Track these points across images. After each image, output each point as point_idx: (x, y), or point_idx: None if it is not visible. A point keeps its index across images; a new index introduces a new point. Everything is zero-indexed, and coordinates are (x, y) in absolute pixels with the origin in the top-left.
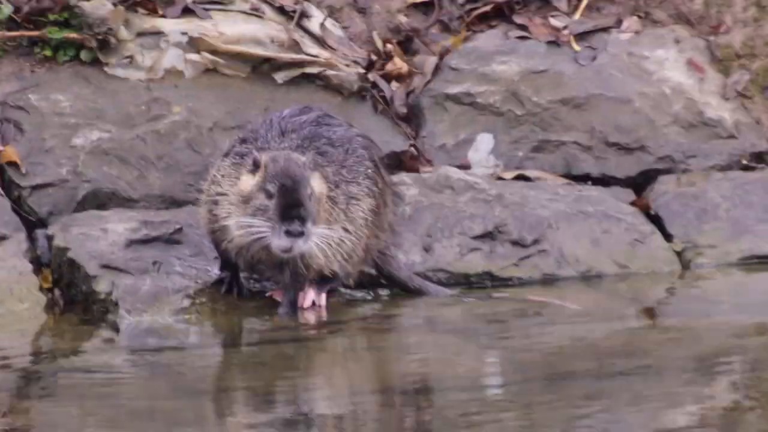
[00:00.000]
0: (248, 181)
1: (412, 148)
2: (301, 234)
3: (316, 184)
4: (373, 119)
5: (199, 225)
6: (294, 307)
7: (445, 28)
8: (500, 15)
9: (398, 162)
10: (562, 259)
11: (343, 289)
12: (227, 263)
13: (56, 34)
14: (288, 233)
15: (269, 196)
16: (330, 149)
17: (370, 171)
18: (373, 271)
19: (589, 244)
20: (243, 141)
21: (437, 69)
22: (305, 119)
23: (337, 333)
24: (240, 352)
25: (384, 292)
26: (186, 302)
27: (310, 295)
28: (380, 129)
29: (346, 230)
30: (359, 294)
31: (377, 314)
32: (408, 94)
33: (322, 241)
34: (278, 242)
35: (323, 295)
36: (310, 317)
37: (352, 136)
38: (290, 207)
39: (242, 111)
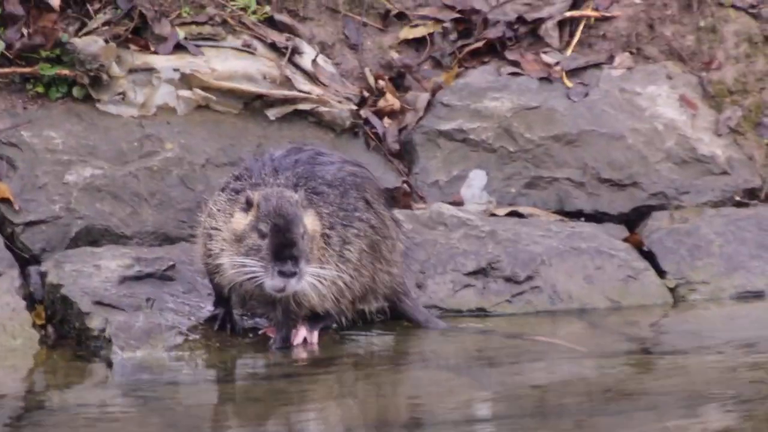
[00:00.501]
0: (241, 220)
1: (405, 185)
2: (293, 274)
3: (310, 222)
4: (366, 156)
5: (195, 258)
6: (287, 343)
7: (437, 65)
8: (492, 51)
9: (391, 198)
10: (555, 295)
11: (335, 326)
12: (221, 298)
13: (48, 70)
14: (281, 273)
15: (262, 235)
16: (325, 189)
17: (364, 213)
18: (385, 304)
19: (582, 280)
20: (238, 178)
21: (429, 105)
22: (299, 158)
23: (329, 369)
24: (233, 388)
25: (376, 330)
26: (179, 339)
27: (301, 332)
28: (373, 165)
29: (339, 269)
30: (350, 329)
31: (370, 350)
32: (400, 131)
33: (316, 280)
34: (271, 282)
35: (315, 333)
36: (302, 354)
37: (345, 175)
38: (283, 247)
39: (235, 147)
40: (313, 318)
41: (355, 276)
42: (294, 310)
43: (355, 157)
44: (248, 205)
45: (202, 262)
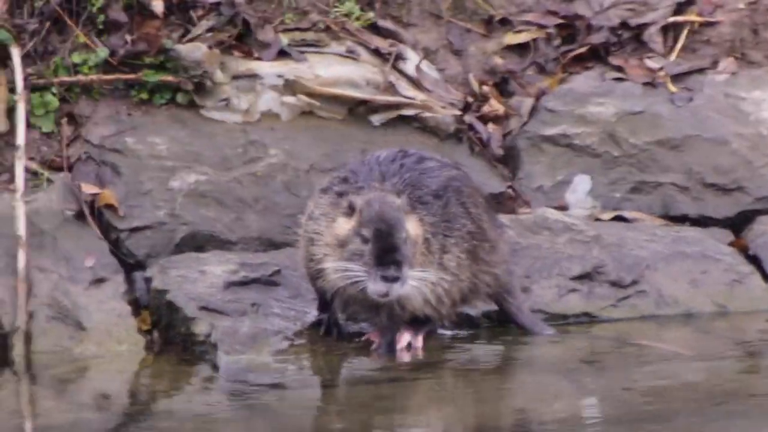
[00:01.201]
0: (344, 225)
1: (509, 190)
2: (396, 279)
3: (412, 227)
4: (470, 161)
5: (297, 262)
6: (391, 348)
7: (541, 70)
8: (596, 56)
9: (495, 204)
10: (661, 299)
11: (440, 331)
12: (325, 303)
13: (152, 77)
14: (384, 278)
15: (365, 241)
16: (430, 199)
17: (464, 221)
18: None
19: (687, 284)
20: (343, 180)
21: (533, 110)
22: (404, 162)
23: (434, 374)
24: (338, 393)
25: (482, 335)
26: (285, 344)
27: (406, 337)
28: (477, 171)
29: (439, 275)
30: (455, 334)
31: (475, 356)
32: (504, 136)
33: (419, 285)
34: (374, 287)
35: (420, 337)
36: (407, 358)
37: (447, 183)
38: (385, 252)
39: (339, 153)
40: (417, 322)
41: (454, 281)
42: (397, 315)
43: (459, 163)
44: (351, 210)
45: (304, 266)
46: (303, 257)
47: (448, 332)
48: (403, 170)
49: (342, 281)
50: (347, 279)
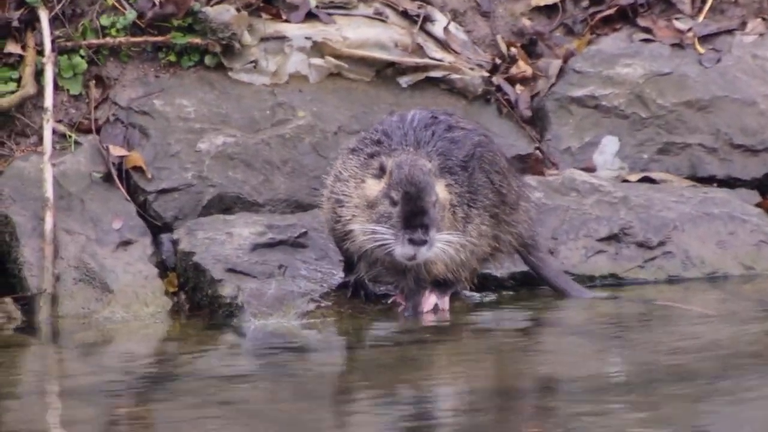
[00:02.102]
0: (373, 186)
1: (537, 151)
2: (424, 242)
3: (441, 191)
4: (498, 122)
5: (322, 221)
6: (417, 310)
7: (569, 31)
8: (624, 18)
9: (523, 165)
10: (688, 260)
11: (467, 293)
12: (351, 265)
13: (180, 39)
14: (411, 241)
15: (393, 203)
16: (458, 170)
17: (487, 190)
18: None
19: (714, 245)
20: (377, 142)
21: (561, 72)
22: (436, 131)
23: (460, 336)
24: (364, 355)
25: (507, 294)
26: (311, 306)
27: (432, 299)
28: (505, 132)
29: (463, 240)
30: (482, 295)
31: (501, 317)
32: (532, 97)
33: (446, 248)
34: (402, 250)
35: (446, 299)
36: (433, 320)
37: (474, 152)
38: (414, 215)
39: (367, 115)
40: (442, 284)
41: (476, 248)
42: (423, 277)
43: (487, 124)
44: (381, 171)
45: (329, 228)
46: (329, 219)
47: (475, 294)
48: (435, 137)
49: (369, 243)
50: (375, 241)
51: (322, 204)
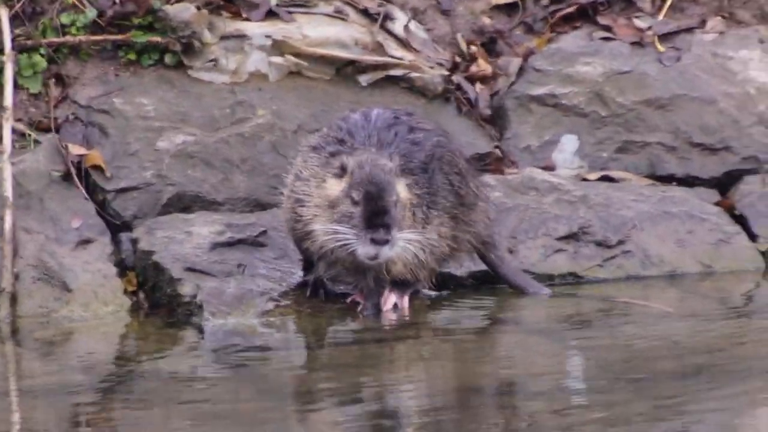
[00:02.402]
0: (335, 186)
1: (497, 150)
2: (386, 242)
3: (402, 190)
4: (457, 121)
5: (281, 220)
6: (377, 309)
7: (529, 30)
8: (584, 16)
9: (482, 164)
10: (647, 259)
11: (426, 291)
12: (310, 264)
13: (140, 37)
14: (373, 241)
15: (354, 203)
16: (418, 172)
17: (447, 193)
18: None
19: (673, 244)
20: (339, 141)
21: (521, 70)
22: (399, 132)
23: (420, 334)
24: (324, 354)
25: (467, 294)
26: (270, 305)
27: (392, 298)
28: (464, 130)
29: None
30: (441, 294)
31: (460, 315)
32: (492, 96)
33: (408, 246)
34: (364, 250)
35: (405, 298)
36: (393, 319)
37: (434, 153)
38: (375, 215)
39: (326, 113)
40: (402, 284)
41: (434, 248)
42: (383, 278)
43: (446, 123)
44: (342, 171)
45: (288, 227)
46: (288, 218)
47: (434, 293)
48: (398, 139)
49: (331, 243)
50: (336, 241)
51: (282, 203)
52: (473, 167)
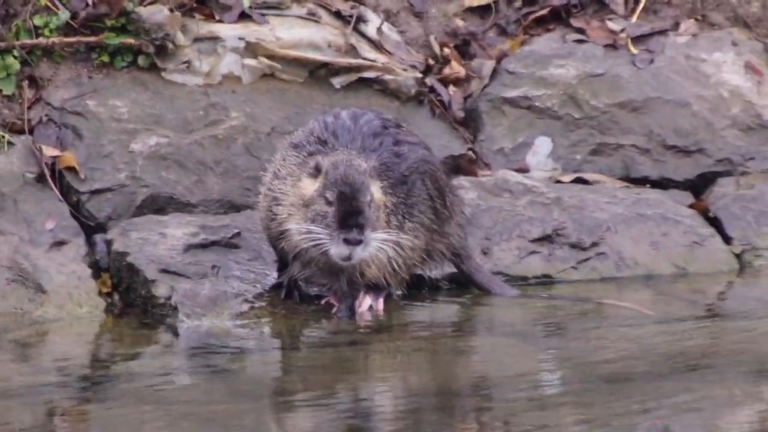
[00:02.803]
0: (309, 186)
1: (470, 152)
2: (359, 242)
3: (376, 191)
4: (431, 123)
5: (256, 222)
6: (352, 311)
7: (502, 32)
8: (557, 18)
9: (456, 166)
10: (621, 261)
11: (399, 293)
12: (285, 265)
13: (113, 39)
14: (346, 241)
15: (328, 203)
16: (397, 183)
17: (424, 206)
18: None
19: (647, 246)
20: (322, 142)
21: (495, 73)
22: (384, 142)
23: (395, 336)
24: (299, 356)
25: (442, 297)
26: (245, 306)
27: (367, 300)
28: (438, 133)
29: (397, 246)
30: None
31: (435, 318)
32: (465, 98)
33: (382, 246)
34: (337, 250)
35: (380, 300)
36: (368, 321)
37: (416, 167)
38: (349, 215)
39: (300, 116)
40: (376, 286)
41: (410, 257)
42: (357, 280)
43: (420, 125)
44: (317, 171)
45: (263, 226)
46: (263, 217)
47: (408, 295)
48: (382, 148)
49: (305, 243)
50: (310, 241)
51: (258, 201)
52: (451, 182)
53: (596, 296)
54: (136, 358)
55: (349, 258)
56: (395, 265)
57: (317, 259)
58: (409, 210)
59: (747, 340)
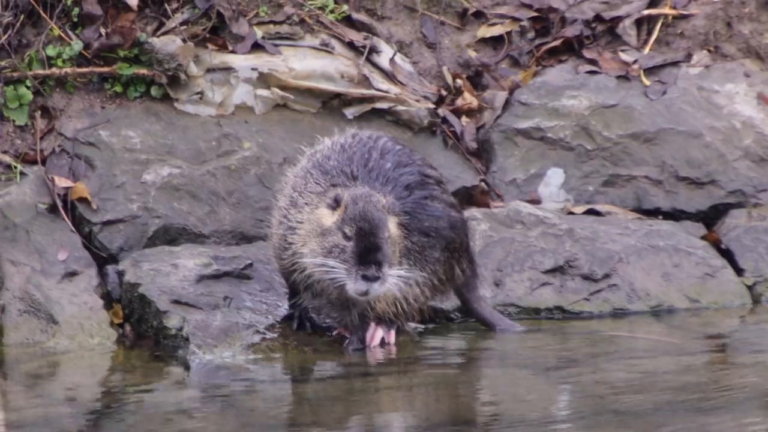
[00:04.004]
0: (328, 217)
1: (483, 183)
2: (377, 279)
3: (393, 227)
4: (443, 154)
5: (269, 249)
6: (363, 343)
7: (515, 63)
8: (570, 49)
9: (468, 197)
10: (633, 293)
11: (413, 324)
12: (295, 294)
13: (126, 70)
14: (365, 278)
15: (347, 237)
16: (418, 235)
17: (440, 269)
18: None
19: (659, 278)
20: (349, 177)
21: (507, 104)
22: (418, 197)
23: (407, 369)
24: (311, 388)
25: (454, 330)
26: (256, 338)
27: (379, 333)
28: (450, 164)
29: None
30: (427, 328)
31: (447, 350)
32: (478, 129)
33: (398, 282)
34: (354, 286)
35: (392, 332)
36: (380, 354)
37: (446, 235)
38: (368, 251)
39: (313, 146)
40: (387, 320)
41: (424, 283)
42: (368, 314)
43: (432, 156)
44: (336, 203)
45: (275, 255)
46: (277, 246)
47: (421, 326)
48: (411, 200)
49: (320, 275)
50: (326, 274)
51: (271, 228)
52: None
53: (612, 329)
54: (148, 389)
55: (366, 293)
56: (405, 300)
57: (329, 292)
58: (423, 262)
59: (757, 373)
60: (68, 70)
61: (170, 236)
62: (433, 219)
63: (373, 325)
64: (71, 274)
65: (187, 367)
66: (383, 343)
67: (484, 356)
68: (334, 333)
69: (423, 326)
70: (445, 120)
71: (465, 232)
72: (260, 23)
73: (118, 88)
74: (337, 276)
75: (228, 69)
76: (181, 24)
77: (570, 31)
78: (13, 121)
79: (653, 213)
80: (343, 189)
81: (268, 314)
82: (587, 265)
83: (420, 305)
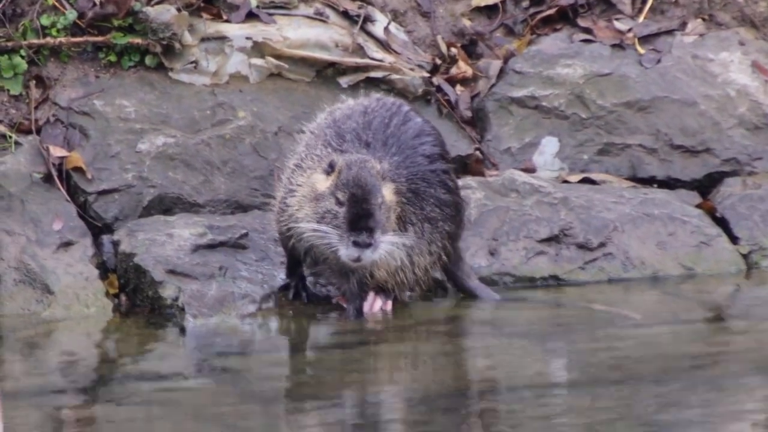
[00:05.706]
0: (322, 182)
1: (477, 152)
2: (368, 245)
3: (387, 193)
4: (438, 123)
5: (270, 220)
6: (360, 312)
7: (510, 32)
8: (564, 18)
9: (463, 166)
10: (628, 261)
11: (408, 293)
12: (294, 265)
13: (121, 39)
14: (356, 244)
15: (339, 203)
16: (410, 195)
17: (447, 221)
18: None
19: (654, 246)
20: (364, 144)
21: (502, 72)
22: (417, 161)
23: (403, 337)
24: (307, 357)
25: (450, 298)
26: (252, 307)
27: (377, 302)
28: (445, 133)
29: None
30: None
31: (444, 318)
32: (473, 98)
33: (391, 248)
34: (346, 252)
35: (389, 301)
36: (376, 322)
37: (446, 214)
38: (359, 218)
39: (307, 115)
40: (386, 289)
41: (424, 252)
42: (366, 282)
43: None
44: (330, 168)
45: (275, 219)
46: (278, 210)
47: (417, 296)
48: (413, 167)
49: (314, 240)
50: (319, 239)
51: (276, 192)
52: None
53: (596, 298)
54: (143, 359)
55: (358, 260)
56: (405, 269)
57: (327, 257)
58: (431, 217)
59: (752, 340)
60: (62, 39)
61: (165, 206)
62: (450, 193)
63: (372, 294)
64: (66, 244)
65: (182, 337)
66: (380, 311)
67: (480, 325)
68: (334, 300)
69: (419, 296)
70: (439, 89)
71: (463, 216)
72: None
73: (113, 58)
74: (331, 242)
75: (222, 38)
76: None
77: (565, 0)
78: (8, 90)
79: (648, 181)
80: (338, 154)
81: (264, 284)
82: (582, 234)
83: (423, 275)
